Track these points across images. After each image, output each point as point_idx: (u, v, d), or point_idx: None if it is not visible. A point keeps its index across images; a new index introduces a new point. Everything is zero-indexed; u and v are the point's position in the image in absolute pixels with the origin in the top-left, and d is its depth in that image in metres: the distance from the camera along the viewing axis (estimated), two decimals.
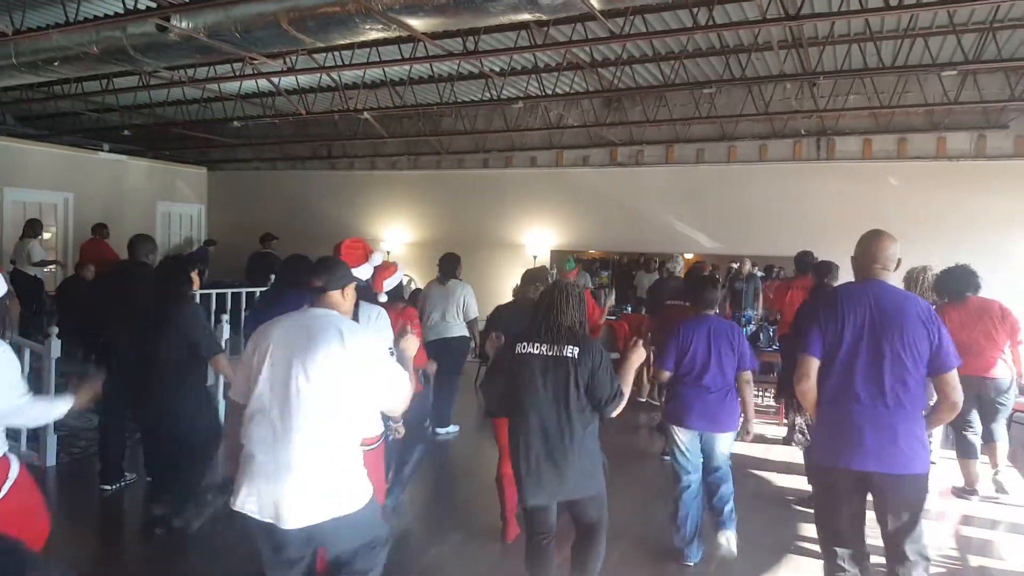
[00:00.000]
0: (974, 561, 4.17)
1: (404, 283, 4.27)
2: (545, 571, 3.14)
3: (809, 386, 2.89)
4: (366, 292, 3.40)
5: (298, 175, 13.73)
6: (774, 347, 7.34)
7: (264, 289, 8.36)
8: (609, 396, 2.95)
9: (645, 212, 10.72)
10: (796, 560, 4.09)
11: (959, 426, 5.06)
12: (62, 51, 6.11)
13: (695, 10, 6.39)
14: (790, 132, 9.84)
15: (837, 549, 2.92)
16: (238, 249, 12.01)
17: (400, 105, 9.82)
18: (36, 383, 4.34)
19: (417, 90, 9.86)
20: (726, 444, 3.95)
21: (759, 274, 8.88)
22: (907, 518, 2.81)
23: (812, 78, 7.88)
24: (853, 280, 3.04)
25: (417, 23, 5.07)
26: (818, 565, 3.21)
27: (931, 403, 3.05)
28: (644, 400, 7.77)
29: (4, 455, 2.57)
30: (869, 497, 2.90)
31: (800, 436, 5.29)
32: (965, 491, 5.16)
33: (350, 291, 2.68)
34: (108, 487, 4.80)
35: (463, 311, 6.26)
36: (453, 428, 6.55)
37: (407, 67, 8.65)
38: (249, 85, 9.55)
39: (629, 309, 9.90)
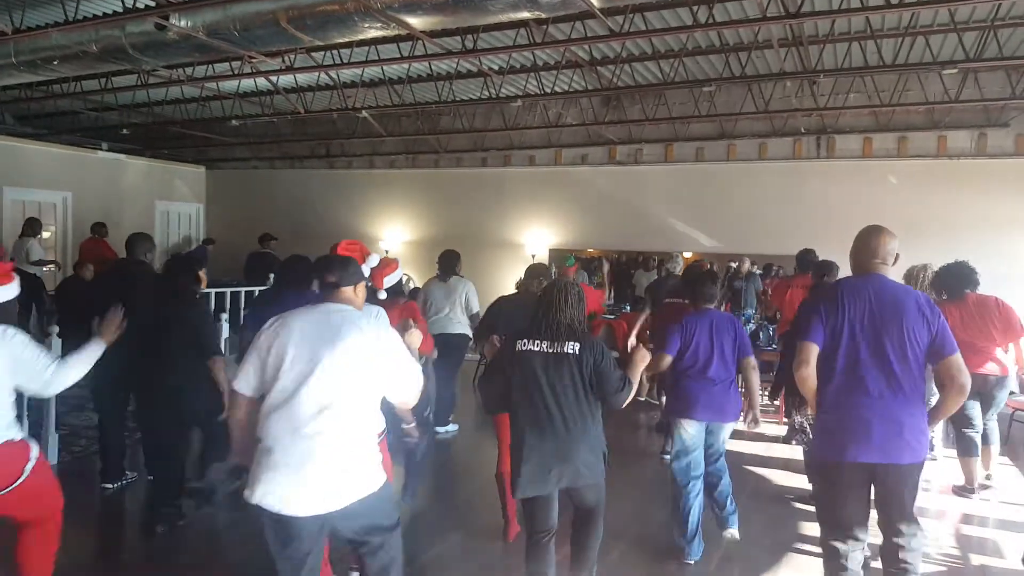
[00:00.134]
0: (975, 559, 4.18)
1: (403, 281, 4.27)
2: (545, 569, 3.15)
3: (808, 372, 2.89)
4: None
5: (296, 174, 13.71)
6: (774, 346, 7.34)
7: (263, 288, 8.36)
8: (617, 387, 3.01)
9: (644, 211, 10.69)
10: (796, 559, 4.09)
11: (960, 424, 5.06)
12: (61, 50, 6.10)
13: (695, 8, 6.38)
14: (790, 130, 9.81)
15: (839, 546, 2.92)
16: (236, 248, 12.00)
17: (399, 104, 9.79)
18: None
19: (416, 89, 9.84)
20: (728, 434, 4.07)
21: (758, 272, 8.89)
22: (907, 502, 2.87)
23: (812, 76, 7.85)
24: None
25: (416, 21, 5.07)
26: (818, 564, 3.21)
27: (932, 401, 3.05)
28: (644, 399, 7.77)
29: (24, 439, 2.83)
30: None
31: (801, 435, 5.29)
32: (965, 489, 5.17)
33: (361, 288, 2.73)
34: (109, 485, 4.82)
35: (466, 307, 6.27)
36: (453, 427, 6.55)
37: (406, 66, 8.62)
38: (248, 84, 9.52)
39: (628, 308, 9.90)
